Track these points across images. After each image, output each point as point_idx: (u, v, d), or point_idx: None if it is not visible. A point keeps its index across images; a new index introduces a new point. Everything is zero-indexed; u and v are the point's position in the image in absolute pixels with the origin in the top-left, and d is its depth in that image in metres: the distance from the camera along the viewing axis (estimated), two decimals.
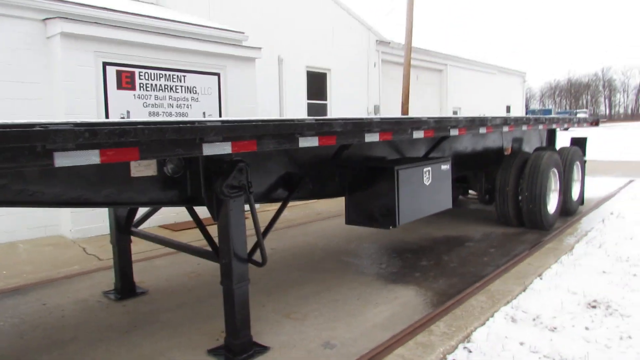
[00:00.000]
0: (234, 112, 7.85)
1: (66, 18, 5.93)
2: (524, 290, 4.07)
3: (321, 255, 5.27)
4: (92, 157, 1.97)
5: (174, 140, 2.17)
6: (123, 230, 3.88)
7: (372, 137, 3.07)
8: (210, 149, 2.35)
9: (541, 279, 4.37)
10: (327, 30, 14.98)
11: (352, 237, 6.02)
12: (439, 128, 3.74)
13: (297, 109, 14.05)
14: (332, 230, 6.55)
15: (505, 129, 4.96)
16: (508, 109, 27.69)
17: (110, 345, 3.17)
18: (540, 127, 6.19)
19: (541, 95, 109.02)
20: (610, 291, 3.98)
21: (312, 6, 14.28)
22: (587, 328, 3.35)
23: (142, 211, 4.01)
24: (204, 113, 7.50)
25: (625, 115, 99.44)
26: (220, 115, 7.71)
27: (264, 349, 3.00)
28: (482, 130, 4.48)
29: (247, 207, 2.81)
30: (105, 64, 6.27)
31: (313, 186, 3.69)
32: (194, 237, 5.89)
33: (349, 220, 3.86)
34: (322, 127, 2.82)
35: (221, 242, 2.80)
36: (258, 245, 2.84)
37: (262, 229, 2.97)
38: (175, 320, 3.55)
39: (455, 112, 22.29)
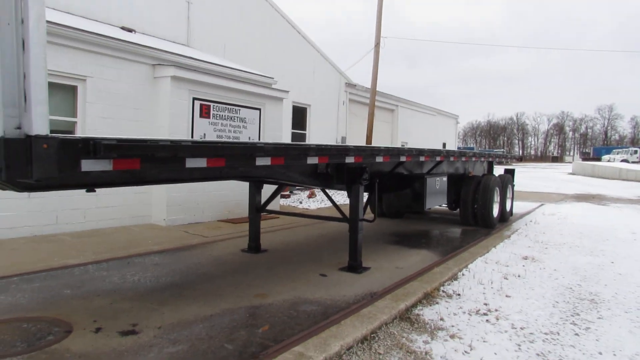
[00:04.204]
0: (268, 138, 10.39)
1: (176, 66, 8.27)
2: (488, 252, 7.03)
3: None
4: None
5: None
6: (259, 210, 6.30)
7: (422, 159, 5.87)
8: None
9: (495, 248, 7.38)
10: (309, 72, 17.93)
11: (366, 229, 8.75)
12: (447, 155, 6.65)
13: (284, 137, 16.68)
14: None
15: (473, 159, 8.01)
16: (444, 145, 32.10)
17: (281, 265, 5.61)
18: (490, 159, 9.42)
19: (464, 134, 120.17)
20: (533, 254, 7.05)
21: (300, 52, 17.21)
22: (523, 265, 6.33)
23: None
24: (249, 137, 9.97)
25: (536, 156, 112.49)
26: (259, 139, 10.20)
27: (367, 268, 5.60)
28: (463, 158, 7.48)
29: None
30: (194, 99, 8.63)
31: (379, 186, 6.40)
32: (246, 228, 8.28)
33: (389, 214, 6.57)
34: (389, 151, 5.51)
35: (351, 207, 5.39)
36: (373, 209, 5.48)
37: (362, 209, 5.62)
38: (301, 261, 6.03)
39: (403, 145, 25.97)
